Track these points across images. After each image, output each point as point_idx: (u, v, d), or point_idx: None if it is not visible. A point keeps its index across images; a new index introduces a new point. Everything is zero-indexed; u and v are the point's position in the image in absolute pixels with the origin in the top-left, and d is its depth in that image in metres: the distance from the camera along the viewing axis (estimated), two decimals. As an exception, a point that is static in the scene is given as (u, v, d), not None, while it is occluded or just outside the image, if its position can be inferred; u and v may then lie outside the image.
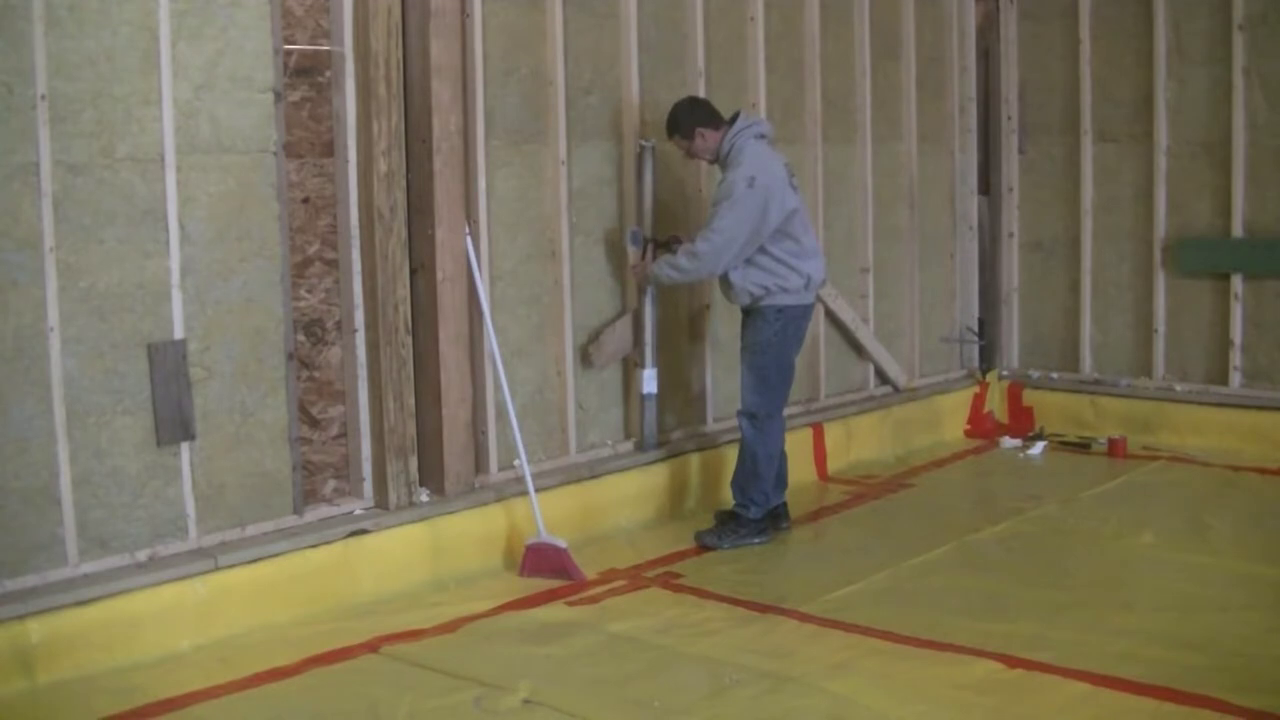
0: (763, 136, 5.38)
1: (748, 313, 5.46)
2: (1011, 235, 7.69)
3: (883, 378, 7.14)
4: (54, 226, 4.09)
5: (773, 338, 5.37)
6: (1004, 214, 7.70)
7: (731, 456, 5.70)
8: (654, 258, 5.56)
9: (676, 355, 6.03)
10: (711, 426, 6.15)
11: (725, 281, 5.42)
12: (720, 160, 5.40)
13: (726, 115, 5.45)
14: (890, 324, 7.19)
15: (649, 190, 5.67)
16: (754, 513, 5.40)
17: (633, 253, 5.66)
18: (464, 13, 5.08)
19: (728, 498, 5.74)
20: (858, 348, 6.98)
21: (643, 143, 5.66)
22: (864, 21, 6.86)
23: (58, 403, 4.12)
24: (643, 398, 5.72)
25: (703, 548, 5.35)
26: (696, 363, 6.12)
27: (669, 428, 5.98)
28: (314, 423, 4.92)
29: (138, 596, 4.20)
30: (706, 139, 5.38)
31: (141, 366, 4.32)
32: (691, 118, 5.40)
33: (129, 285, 4.28)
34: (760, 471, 5.40)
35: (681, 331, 6.06)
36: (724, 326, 6.14)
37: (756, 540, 5.39)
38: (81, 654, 4.04)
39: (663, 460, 5.83)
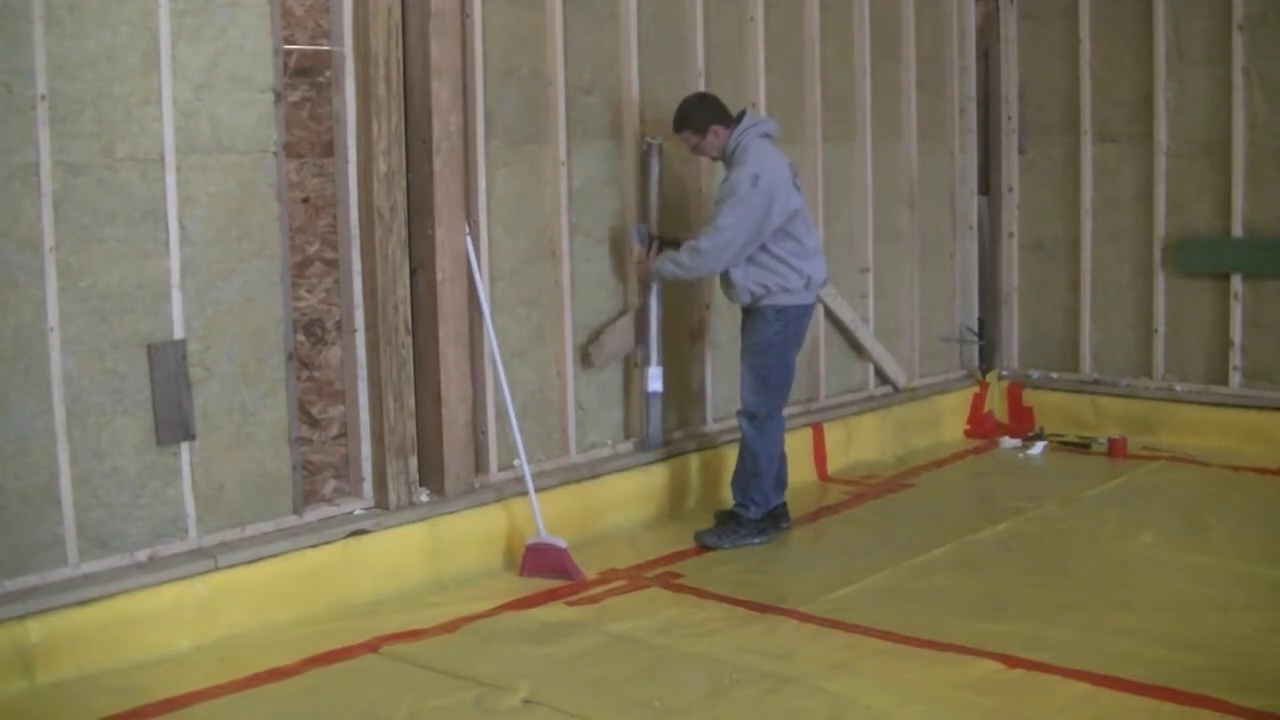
0: (768, 136, 5.39)
1: (748, 312, 5.45)
2: (1011, 235, 7.69)
3: (883, 378, 7.14)
4: (54, 226, 4.09)
5: (773, 337, 5.37)
6: (1004, 214, 7.70)
7: (731, 457, 5.70)
8: (658, 254, 5.56)
9: (677, 355, 6.02)
10: (711, 426, 6.15)
11: (726, 280, 5.42)
12: (725, 158, 5.40)
13: None
14: (890, 324, 7.18)
15: (655, 188, 5.66)
16: (754, 513, 5.40)
17: (637, 249, 5.66)
18: (464, 13, 5.08)
19: (727, 498, 5.74)
20: (858, 348, 6.97)
21: (650, 140, 5.66)
22: (864, 21, 6.86)
23: (58, 403, 4.12)
24: (647, 396, 5.71)
25: (703, 548, 5.35)
26: (696, 363, 6.12)
27: (669, 427, 5.97)
28: (314, 423, 4.92)
29: (138, 596, 4.20)
30: (719, 136, 5.37)
31: (141, 366, 4.32)
32: (705, 114, 5.38)
33: (129, 285, 4.28)
34: (760, 471, 5.40)
35: (682, 332, 6.06)
36: (724, 327, 6.14)
37: (756, 540, 5.39)
38: (81, 654, 4.04)
39: (663, 460, 5.83)
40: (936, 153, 7.42)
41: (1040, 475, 6.60)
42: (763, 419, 5.40)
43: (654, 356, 5.70)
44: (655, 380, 5.68)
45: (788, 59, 6.50)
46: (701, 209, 5.99)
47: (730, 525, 5.42)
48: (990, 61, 7.65)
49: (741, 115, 5.44)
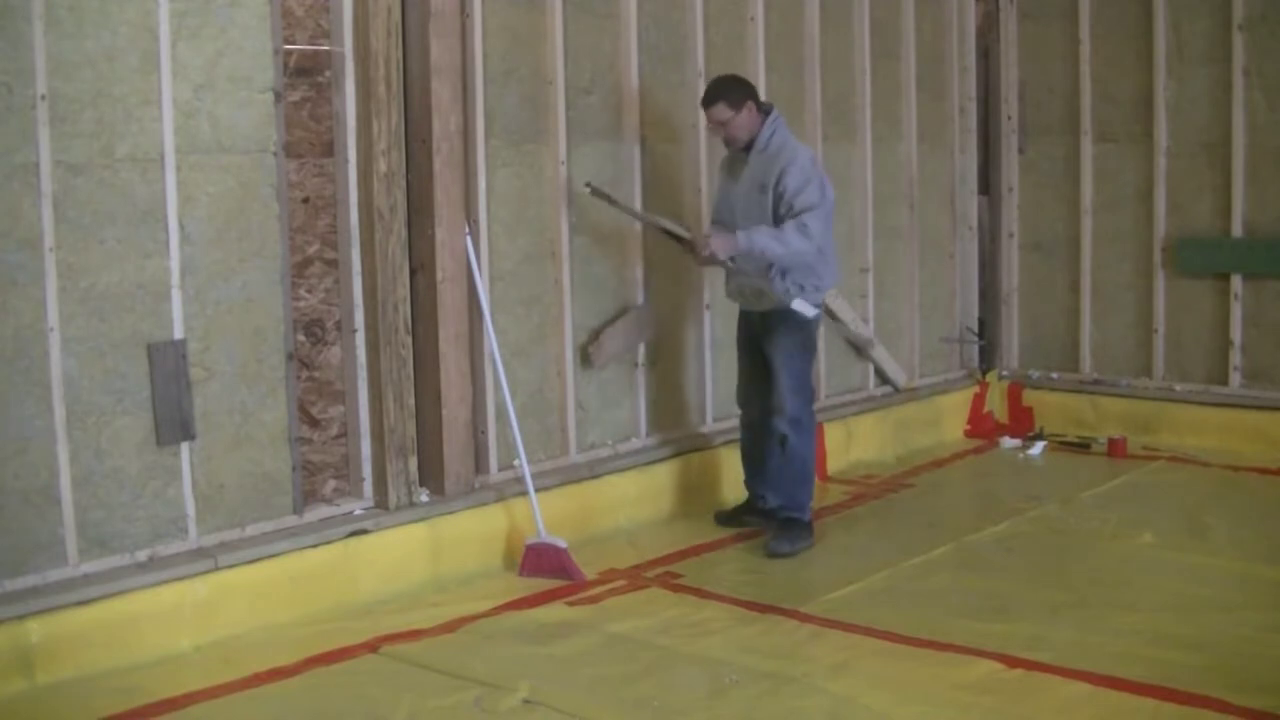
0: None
1: (771, 315, 5.28)
2: (1011, 235, 7.69)
3: (882, 378, 7.14)
4: (54, 226, 4.09)
5: (807, 340, 5.32)
6: (1004, 214, 7.69)
7: (730, 456, 5.70)
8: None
9: (676, 355, 6.03)
10: (711, 426, 6.14)
11: (761, 278, 5.23)
12: (761, 147, 5.21)
13: None
14: (890, 324, 7.18)
15: (636, 205, 5.62)
16: (808, 515, 5.36)
17: (691, 233, 5.39)
18: (464, 13, 5.08)
19: (727, 498, 5.76)
20: (858, 348, 6.97)
21: (587, 187, 5.38)
22: (864, 21, 6.86)
23: (58, 403, 4.12)
24: (864, 343, 5.28)
25: (775, 556, 5.20)
26: (695, 363, 6.12)
27: (669, 427, 5.98)
28: (314, 423, 4.92)
29: (138, 596, 4.20)
30: (752, 115, 5.21)
31: (141, 366, 4.32)
32: (742, 90, 5.23)
33: (129, 285, 4.28)
34: (810, 474, 5.36)
35: (681, 331, 6.06)
36: (723, 326, 6.13)
37: (811, 542, 5.33)
38: (81, 654, 4.04)
39: (662, 460, 5.83)
40: (936, 153, 7.42)
41: (1040, 475, 6.60)
42: (806, 421, 5.34)
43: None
44: (862, 327, 5.28)
45: (788, 59, 6.50)
46: (702, 211, 5.98)
47: (794, 531, 5.30)
48: (990, 61, 7.65)
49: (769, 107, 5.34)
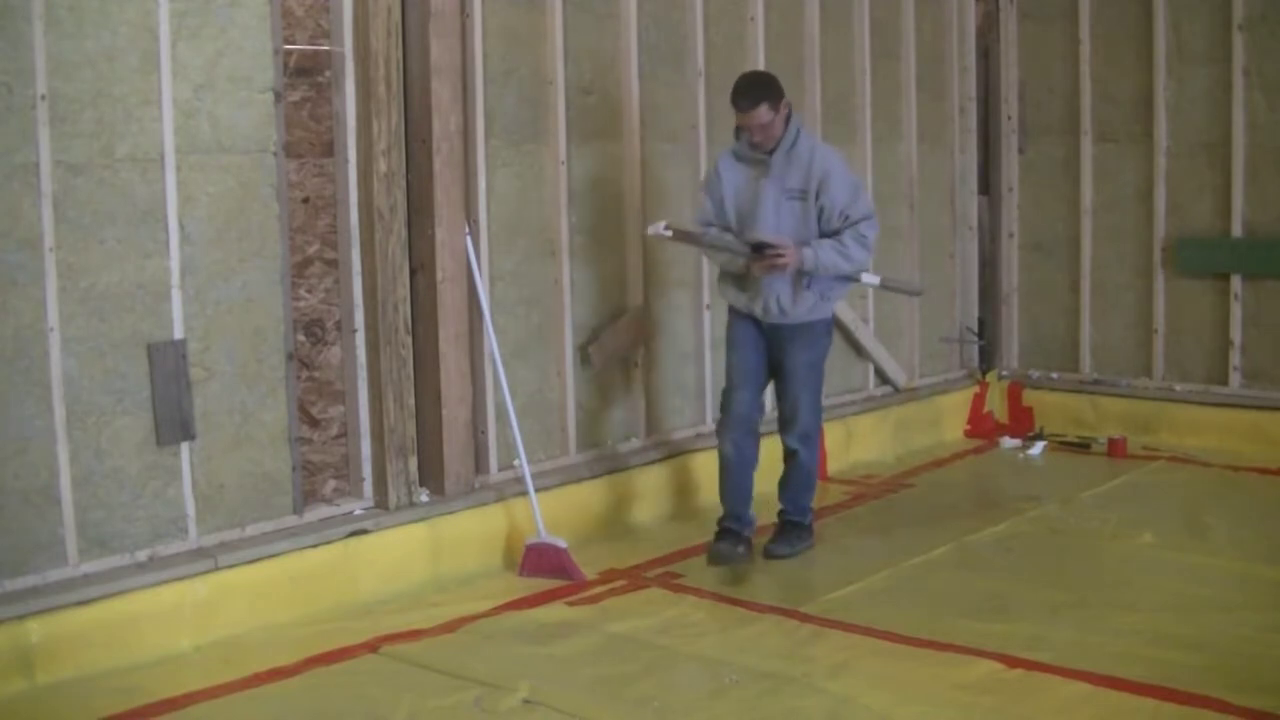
0: None
1: (788, 328, 5.14)
2: (1011, 235, 7.69)
3: (882, 378, 7.14)
4: (54, 226, 4.09)
5: (824, 353, 5.27)
6: (1004, 214, 7.69)
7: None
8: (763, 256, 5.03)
9: (675, 356, 6.03)
10: (710, 426, 6.12)
11: (787, 289, 5.05)
12: (786, 148, 5.00)
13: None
14: (890, 324, 7.18)
15: (702, 239, 5.39)
16: (809, 520, 5.36)
17: (777, 244, 4.98)
18: (464, 13, 5.08)
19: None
20: (858, 348, 6.97)
21: (667, 230, 5.06)
22: (864, 21, 6.86)
23: (58, 403, 4.12)
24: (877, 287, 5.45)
25: (773, 557, 5.20)
26: (695, 363, 6.12)
27: (669, 428, 5.98)
28: (314, 423, 4.92)
29: (138, 596, 4.20)
30: (786, 113, 5.02)
31: (141, 366, 4.32)
32: (779, 88, 4.96)
33: (129, 285, 4.28)
34: (814, 482, 5.36)
35: (680, 332, 6.06)
36: (723, 327, 6.11)
37: (810, 544, 5.33)
38: (81, 654, 4.04)
39: (662, 460, 5.83)
40: (936, 153, 7.42)
41: (1040, 475, 6.60)
42: (815, 436, 5.32)
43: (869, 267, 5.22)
44: (872, 277, 5.15)
45: (788, 59, 6.49)
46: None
47: (795, 534, 5.30)
48: (990, 61, 7.65)
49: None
